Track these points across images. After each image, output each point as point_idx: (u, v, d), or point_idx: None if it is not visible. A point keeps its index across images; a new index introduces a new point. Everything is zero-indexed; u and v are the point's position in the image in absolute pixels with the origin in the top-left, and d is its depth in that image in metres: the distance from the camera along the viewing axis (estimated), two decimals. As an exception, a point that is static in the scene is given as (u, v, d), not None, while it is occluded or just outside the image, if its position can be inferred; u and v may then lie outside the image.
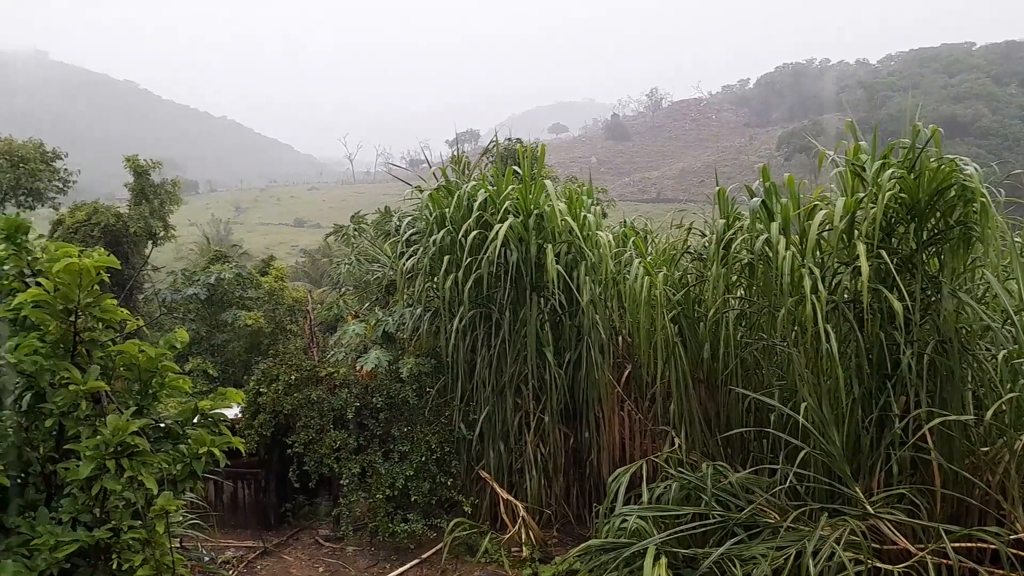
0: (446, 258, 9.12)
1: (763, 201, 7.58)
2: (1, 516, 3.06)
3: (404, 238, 10.19)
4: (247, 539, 9.30)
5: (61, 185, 21.79)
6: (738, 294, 8.62)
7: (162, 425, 3.71)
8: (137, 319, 4.12)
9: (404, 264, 9.90)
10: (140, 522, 2.97)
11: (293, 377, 9.48)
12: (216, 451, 3.59)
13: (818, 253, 7.23)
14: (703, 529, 7.06)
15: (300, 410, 9.27)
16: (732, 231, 7.99)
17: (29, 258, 3.49)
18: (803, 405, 6.86)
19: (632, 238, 10.00)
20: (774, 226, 7.15)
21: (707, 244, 8.69)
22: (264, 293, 16.48)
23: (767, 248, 7.28)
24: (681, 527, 7.09)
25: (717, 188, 8.47)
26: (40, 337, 3.18)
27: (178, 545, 6.95)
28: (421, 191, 10.30)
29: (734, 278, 8.50)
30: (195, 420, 3.84)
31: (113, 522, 2.93)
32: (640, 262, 8.52)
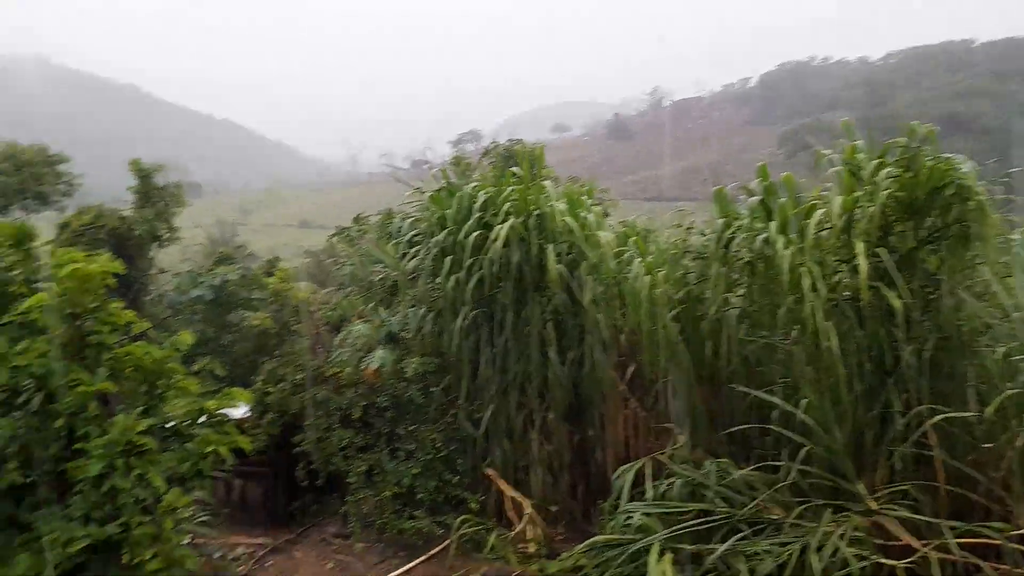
0: (448, 259, 9.19)
1: (761, 200, 7.62)
2: (15, 513, 3.13)
3: (406, 239, 10.27)
4: (257, 536, 9.39)
5: (66, 188, 21.91)
6: (739, 292, 8.66)
7: (169, 425, 3.78)
8: (143, 322, 4.18)
9: (407, 265, 9.98)
10: (150, 518, 3.04)
11: (299, 377, 9.56)
12: (222, 450, 3.66)
13: (817, 251, 7.26)
14: (707, 526, 7.11)
15: (307, 409, 9.35)
16: (732, 230, 8.03)
17: (36, 264, 3.56)
18: (805, 402, 6.90)
19: (633, 237, 10.04)
20: (773, 225, 7.20)
21: (707, 243, 8.72)
22: (270, 294, 16.56)
23: (766, 247, 7.32)
24: (685, 524, 7.13)
25: (715, 187, 8.50)
26: (48, 340, 3.25)
27: (189, 542, 7.04)
28: (422, 192, 10.36)
29: (735, 276, 8.53)
30: (202, 420, 3.90)
31: (123, 518, 3.00)
32: (641, 261, 8.56)
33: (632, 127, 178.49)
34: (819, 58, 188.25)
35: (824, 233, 7.42)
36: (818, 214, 7.08)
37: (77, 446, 3.15)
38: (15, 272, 3.63)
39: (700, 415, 8.33)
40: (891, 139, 7.47)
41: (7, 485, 2.97)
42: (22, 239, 3.62)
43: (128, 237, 18.74)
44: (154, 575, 2.95)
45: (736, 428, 8.01)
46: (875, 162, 7.03)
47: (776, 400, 7.38)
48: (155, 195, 19.43)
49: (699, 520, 7.12)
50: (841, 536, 6.30)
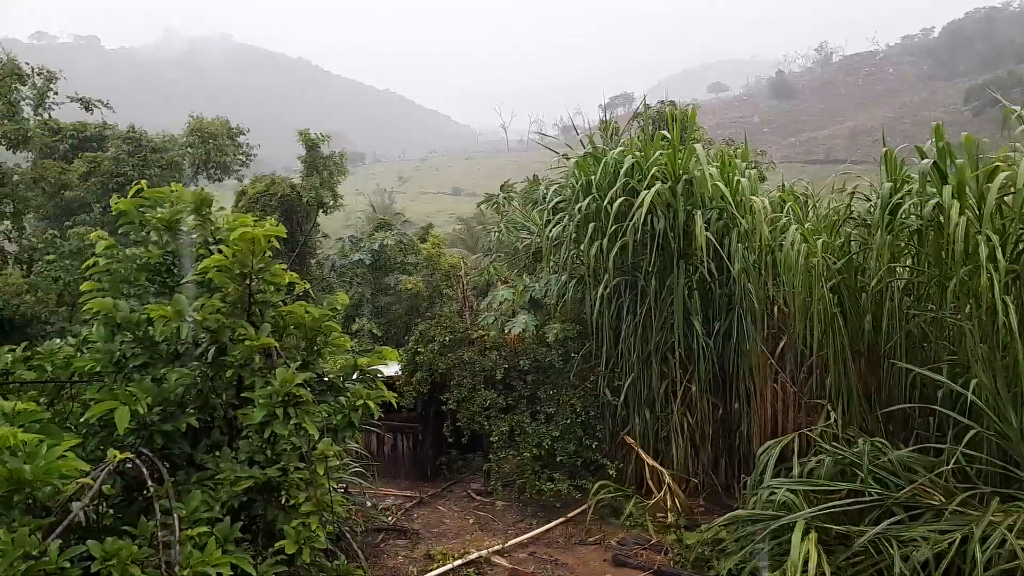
0: (591, 225, 9.15)
1: (935, 162, 6.97)
2: (192, 453, 3.54)
3: (550, 206, 10.31)
4: (405, 489, 9.97)
5: (244, 159, 23.80)
6: (905, 263, 8.03)
7: (325, 379, 4.08)
8: (304, 282, 4.50)
9: (550, 232, 10.04)
10: (304, 464, 3.32)
11: (447, 338, 9.96)
12: (371, 404, 3.90)
13: (998, 219, 6.57)
14: (858, 507, 6.75)
15: (453, 369, 9.75)
16: (900, 195, 7.43)
17: (212, 228, 3.94)
18: (974, 382, 6.33)
19: (790, 203, 9.53)
20: (947, 189, 6.58)
21: (872, 209, 8.12)
22: (423, 259, 17.31)
23: (938, 213, 6.72)
24: (834, 503, 6.81)
25: (884, 149, 7.87)
26: (222, 298, 3.60)
27: (343, 490, 7.62)
28: (568, 159, 10.34)
29: (901, 245, 7.92)
30: (355, 376, 4.17)
31: (282, 463, 3.31)
32: (797, 228, 8.12)
33: (796, 85, 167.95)
34: (1017, 2, 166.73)
35: (1008, 199, 6.71)
36: (1001, 177, 6.39)
37: (244, 395, 3.48)
38: (195, 235, 4.02)
39: (855, 392, 7.86)
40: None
41: (185, 427, 3.34)
42: (201, 205, 4.00)
43: (297, 204, 20.15)
44: (307, 517, 3.23)
45: (895, 407, 7.50)
46: (1074, 118, 6.23)
47: (942, 379, 6.82)
48: (321, 164, 20.72)
49: (849, 500, 6.77)
50: (1010, 527, 5.77)
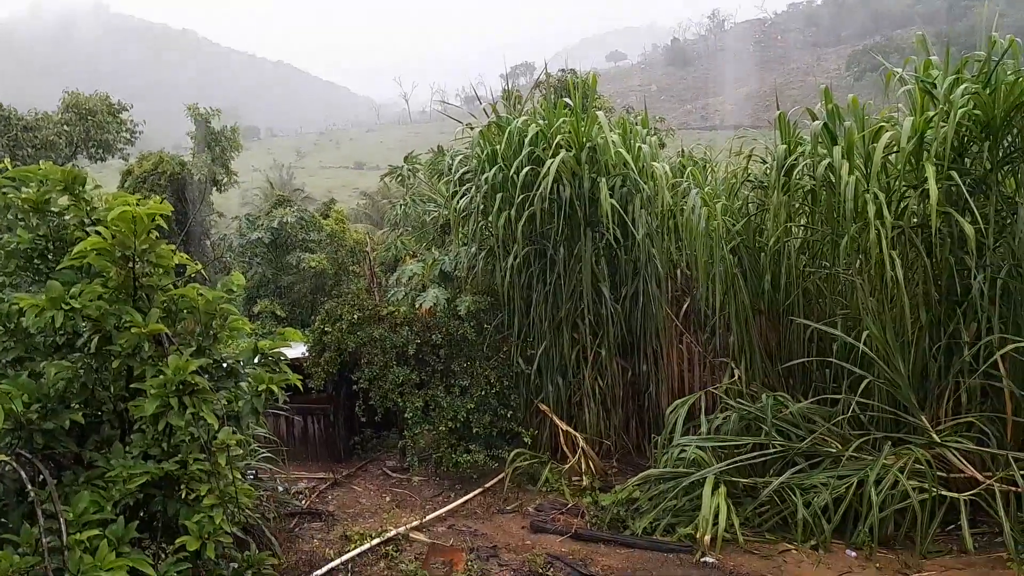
0: (499, 196, 9.09)
1: (825, 124, 7.26)
2: (80, 451, 3.28)
3: (456, 177, 10.17)
4: (318, 471, 9.74)
5: (128, 136, 22.39)
6: (800, 222, 8.37)
7: (224, 365, 3.86)
8: (196, 264, 4.24)
9: (457, 203, 9.92)
10: (205, 455, 3.14)
11: (356, 316, 9.72)
12: (275, 388, 3.73)
13: (884, 177, 6.92)
14: (763, 459, 7.06)
15: (364, 348, 9.53)
16: (794, 157, 7.72)
17: (88, 208, 3.64)
18: (866, 334, 6.69)
19: (689, 168, 9.74)
20: (837, 150, 6.87)
21: (768, 171, 8.40)
22: (326, 236, 16.80)
23: (830, 173, 7.01)
24: (740, 457, 7.10)
25: (778, 112, 8.13)
26: (103, 283, 3.33)
27: (252, 476, 7.35)
28: (472, 128, 10.20)
29: (796, 206, 8.25)
30: (256, 360, 3.97)
31: (180, 455, 3.11)
32: (698, 193, 8.32)
33: (691, 53, 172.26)
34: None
35: (892, 158, 7.06)
36: (886, 137, 6.71)
37: (134, 386, 3.25)
38: (68, 216, 3.70)
39: (757, 349, 8.18)
40: (965, 55, 6.98)
41: (70, 424, 3.09)
42: (73, 183, 3.68)
43: (188, 182, 19.18)
44: (210, 510, 3.06)
45: (794, 362, 7.86)
46: (951, 78, 6.58)
47: (836, 332, 7.18)
48: (213, 140, 19.75)
49: (754, 454, 7.07)
50: (901, 469, 6.18)
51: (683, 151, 11.02)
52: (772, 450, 6.98)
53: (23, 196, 3.52)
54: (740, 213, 8.68)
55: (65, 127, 20.09)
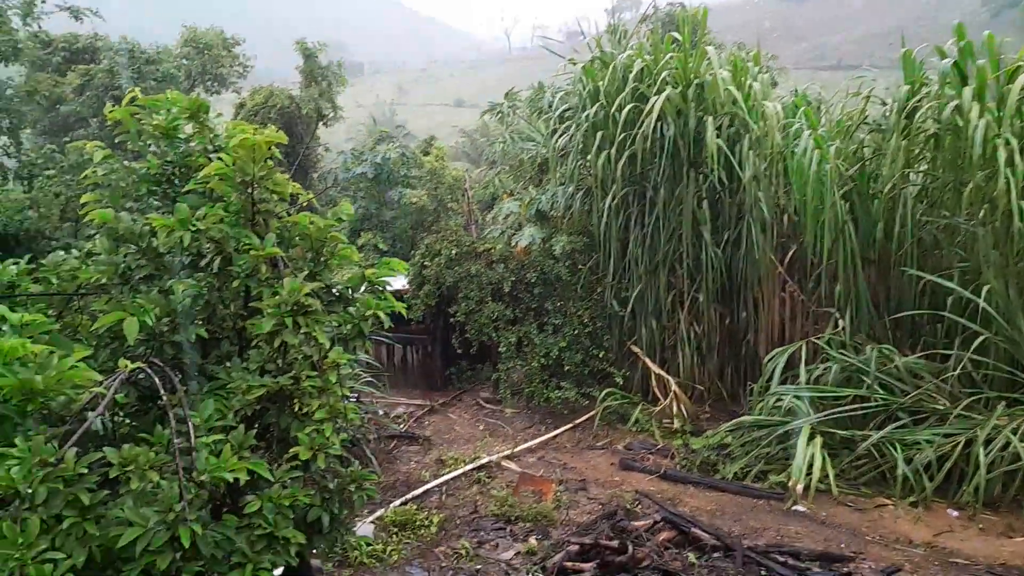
0: (599, 134, 8.94)
1: (955, 63, 6.71)
2: (202, 364, 3.53)
3: (557, 114, 10.05)
4: (416, 398, 10.15)
5: (241, 70, 23.07)
6: (919, 168, 7.86)
7: (334, 290, 4.04)
8: (308, 193, 4.40)
9: (556, 142, 9.83)
10: (316, 373, 3.32)
11: (454, 252, 9.92)
12: (381, 314, 3.87)
13: (1018, 121, 6.38)
14: (863, 412, 6.86)
15: (460, 282, 9.75)
16: (917, 98, 7.21)
17: (211, 135, 3.82)
18: (986, 288, 6.30)
19: (802, 108, 9.25)
20: (967, 91, 6.37)
21: (887, 114, 7.89)
22: (426, 173, 17.03)
23: (957, 116, 6.52)
24: (839, 409, 6.92)
25: (903, 50, 7.57)
26: (224, 207, 3.51)
27: (355, 399, 7.73)
28: (574, 64, 10.00)
29: (916, 151, 7.74)
30: (362, 287, 4.13)
31: (294, 371, 3.30)
32: (810, 134, 7.92)
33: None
34: None
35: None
36: (1023, 78, 6.16)
37: (252, 305, 3.45)
38: (193, 143, 3.90)
39: (864, 299, 7.83)
40: None
41: (195, 338, 3.32)
42: (198, 111, 3.86)
43: (296, 116, 19.72)
44: (320, 424, 3.25)
45: (903, 314, 7.50)
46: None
47: (953, 286, 6.79)
48: (319, 74, 20.13)
49: (854, 406, 6.87)
50: (1014, 430, 5.87)
51: (796, 91, 10.46)
52: (873, 403, 6.77)
53: (154, 123, 3.72)
54: (854, 157, 8.23)
55: (184, 61, 20.90)
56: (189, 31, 21.44)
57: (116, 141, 4.07)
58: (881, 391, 6.80)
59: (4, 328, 2.89)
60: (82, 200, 3.81)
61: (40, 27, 16.76)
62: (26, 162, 15.25)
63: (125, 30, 21.33)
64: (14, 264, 3.69)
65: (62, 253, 3.87)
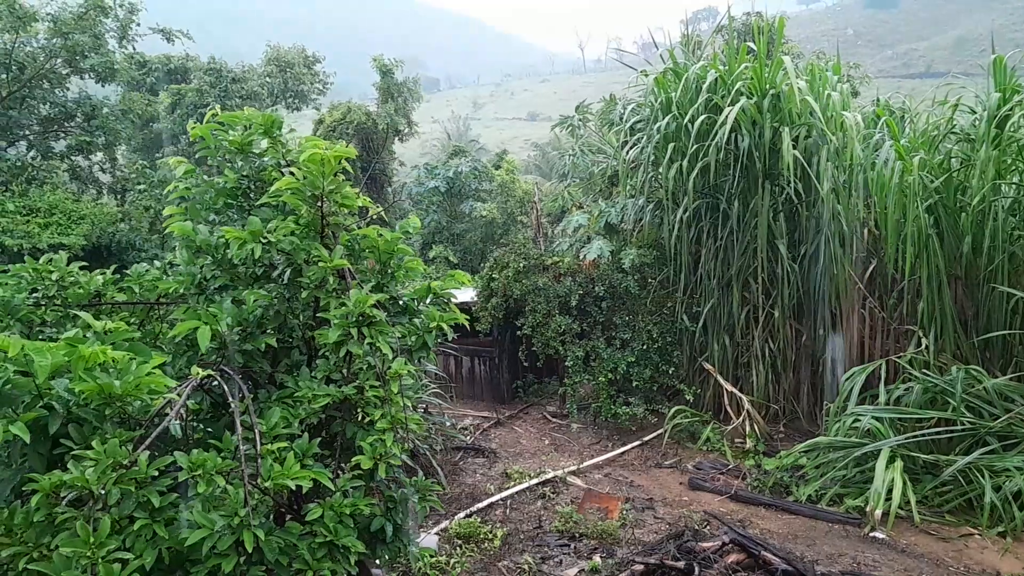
0: (670, 146, 8.82)
1: (1055, 67, 6.34)
2: (272, 372, 3.63)
3: (627, 126, 9.97)
4: (482, 410, 10.18)
5: (321, 87, 23.85)
6: (1012, 180, 7.44)
7: (400, 302, 4.10)
8: (377, 207, 4.49)
9: (627, 154, 9.75)
10: (380, 383, 3.37)
11: (522, 265, 9.93)
12: (444, 325, 3.90)
13: None
14: (948, 436, 6.52)
15: (528, 295, 9.75)
16: (1009, 106, 6.85)
17: (283, 150, 3.94)
18: (1088, 308, 5.89)
19: (884, 118, 8.90)
20: (1067, 96, 5.99)
21: (977, 123, 7.51)
22: (497, 186, 17.22)
23: (1055, 124, 6.15)
24: (922, 431, 6.58)
25: (993, 56, 7.21)
26: (295, 220, 3.62)
27: (422, 410, 7.81)
28: (647, 75, 9.90)
29: (1008, 161, 7.33)
30: (428, 299, 4.18)
31: (358, 381, 3.36)
32: (892, 145, 7.62)
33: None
34: None
35: None
36: None
37: (320, 315, 3.53)
38: (267, 158, 4.03)
39: (950, 317, 7.45)
40: None
41: (265, 347, 3.42)
42: (271, 127, 4.00)
43: (373, 131, 20.25)
44: (382, 433, 3.29)
45: (993, 334, 7.10)
46: None
47: (1050, 305, 6.38)
48: (395, 90, 20.64)
49: (938, 429, 6.53)
50: (1120, 463, 5.45)
51: (879, 100, 10.08)
52: (960, 427, 6.41)
53: (231, 139, 3.87)
54: (940, 168, 7.86)
55: (267, 79, 21.75)
56: (272, 50, 22.32)
57: (197, 156, 4.27)
58: (968, 414, 6.44)
59: (88, 335, 3.04)
60: (165, 213, 3.99)
61: (135, 48, 17.73)
62: (120, 177, 16.12)
63: (224, 52, 22.33)
64: (100, 274, 3.89)
65: (145, 264, 4.06)
